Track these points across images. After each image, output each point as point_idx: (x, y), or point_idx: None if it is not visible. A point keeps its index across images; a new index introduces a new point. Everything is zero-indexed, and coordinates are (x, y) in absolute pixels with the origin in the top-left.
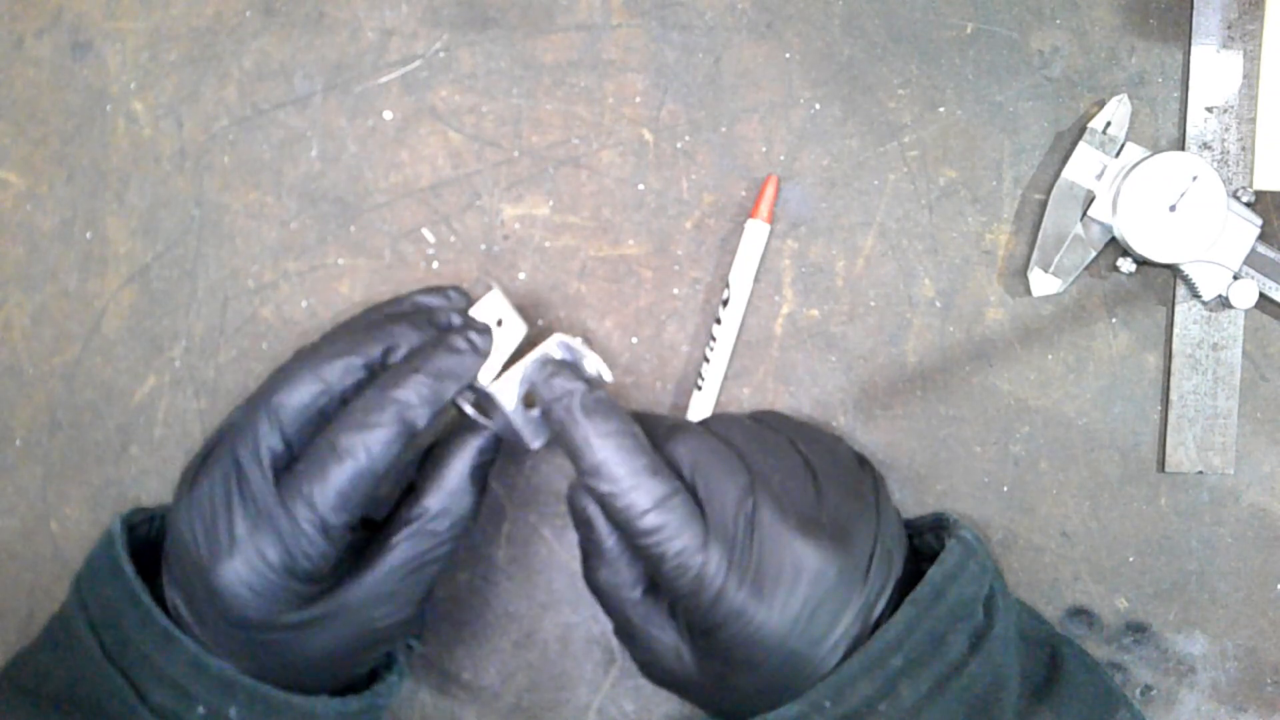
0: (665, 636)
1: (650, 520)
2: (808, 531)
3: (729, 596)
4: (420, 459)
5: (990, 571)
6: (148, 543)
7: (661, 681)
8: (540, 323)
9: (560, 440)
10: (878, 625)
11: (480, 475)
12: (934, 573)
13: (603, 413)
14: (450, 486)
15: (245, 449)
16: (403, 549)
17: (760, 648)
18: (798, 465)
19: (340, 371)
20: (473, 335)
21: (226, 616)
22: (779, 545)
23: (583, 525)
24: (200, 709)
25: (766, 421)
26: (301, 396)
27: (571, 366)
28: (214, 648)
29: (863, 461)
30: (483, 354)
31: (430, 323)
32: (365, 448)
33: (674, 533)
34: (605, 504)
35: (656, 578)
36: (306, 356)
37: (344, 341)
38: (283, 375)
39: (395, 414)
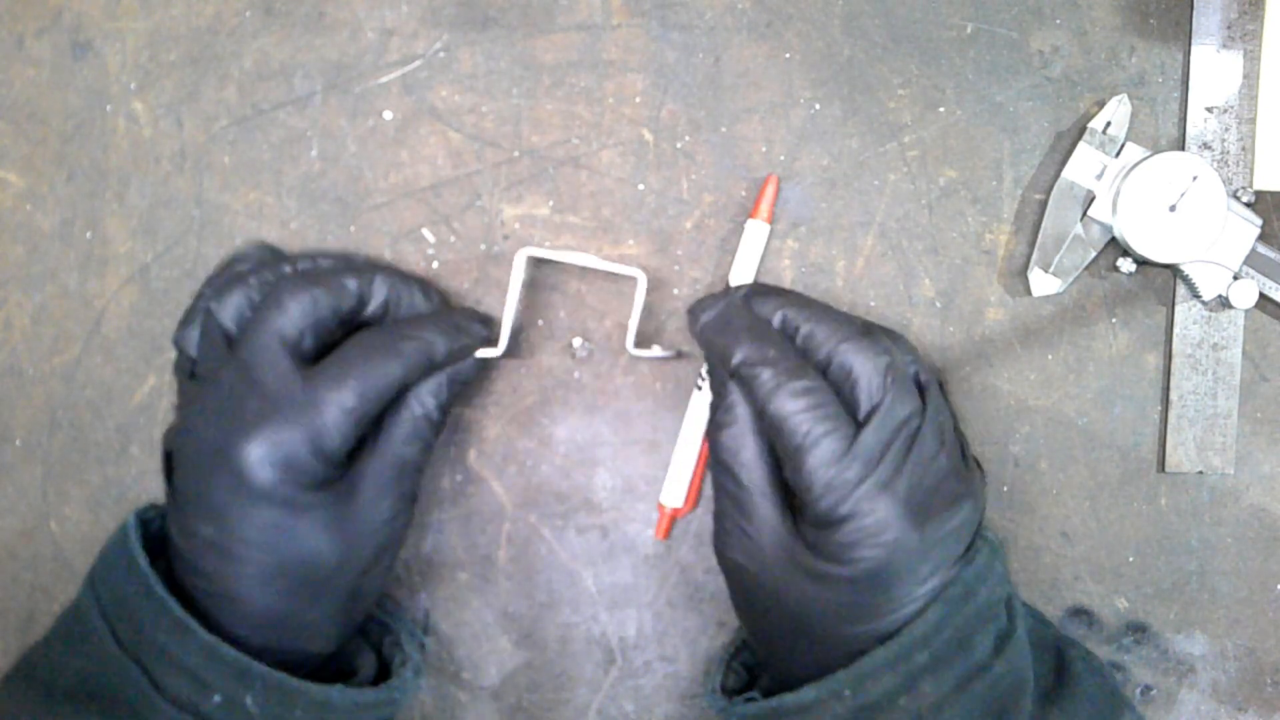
0: (770, 513)
1: (802, 401)
2: (959, 474)
3: (865, 491)
4: None
5: (1008, 574)
6: (161, 538)
7: (734, 563)
8: (540, 323)
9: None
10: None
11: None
12: (966, 572)
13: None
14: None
15: (270, 340)
16: (397, 433)
17: (871, 559)
18: (946, 418)
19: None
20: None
21: (246, 492)
22: (933, 470)
23: (720, 386)
24: (216, 697)
25: None
26: (304, 307)
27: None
28: (232, 536)
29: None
30: (480, 342)
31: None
32: (416, 350)
33: (825, 415)
34: (753, 382)
35: (795, 461)
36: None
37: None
38: (287, 289)
39: (440, 336)
